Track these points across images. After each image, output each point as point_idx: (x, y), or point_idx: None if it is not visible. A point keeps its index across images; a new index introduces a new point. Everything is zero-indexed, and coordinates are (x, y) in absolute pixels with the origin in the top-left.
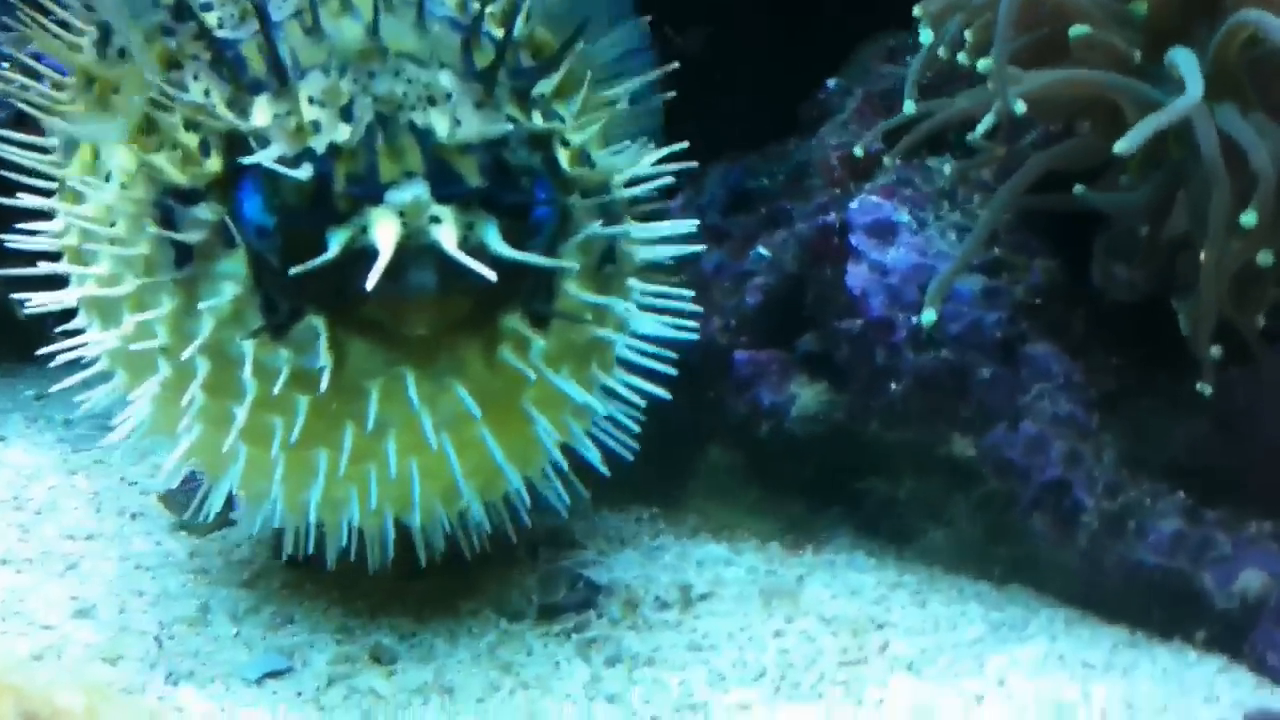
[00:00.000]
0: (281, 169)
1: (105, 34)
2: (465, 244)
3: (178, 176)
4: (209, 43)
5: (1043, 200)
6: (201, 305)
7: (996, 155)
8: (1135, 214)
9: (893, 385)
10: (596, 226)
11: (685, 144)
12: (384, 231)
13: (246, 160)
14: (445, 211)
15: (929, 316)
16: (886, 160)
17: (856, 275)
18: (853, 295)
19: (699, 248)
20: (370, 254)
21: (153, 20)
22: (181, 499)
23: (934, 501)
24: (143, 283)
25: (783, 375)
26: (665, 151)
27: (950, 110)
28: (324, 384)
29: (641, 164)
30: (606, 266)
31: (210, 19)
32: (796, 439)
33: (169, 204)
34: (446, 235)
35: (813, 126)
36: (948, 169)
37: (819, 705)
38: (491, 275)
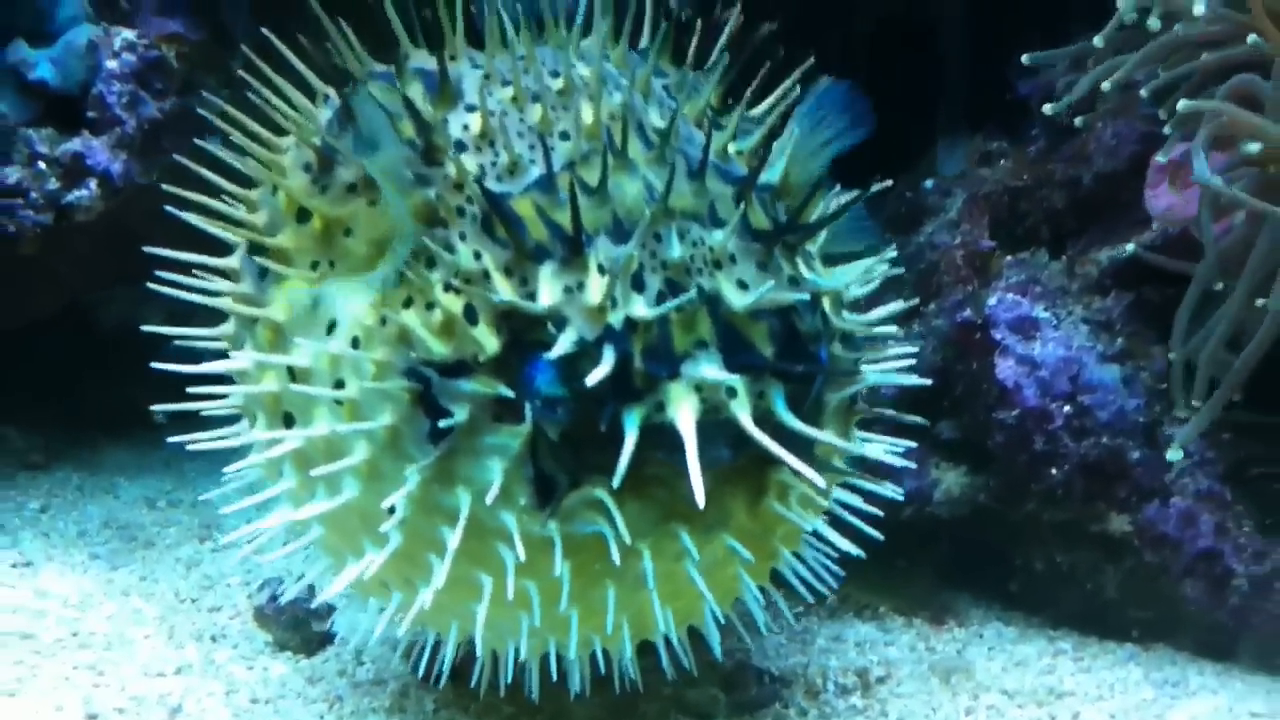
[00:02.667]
0: (599, 377)
1: (326, 161)
2: (755, 412)
3: (440, 349)
4: (484, 200)
5: None
6: (464, 486)
7: None
8: None
9: (1053, 470)
10: (858, 378)
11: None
12: (684, 413)
13: (551, 355)
14: (739, 383)
15: (1176, 455)
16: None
17: (1006, 368)
18: (1004, 387)
19: (926, 381)
20: (666, 430)
21: (404, 167)
22: (279, 617)
23: (1079, 574)
24: (382, 455)
25: (923, 461)
26: (881, 262)
27: None
28: (617, 556)
29: (866, 283)
30: (853, 407)
31: (470, 165)
32: (940, 520)
33: (425, 374)
34: (745, 413)
35: (903, 224)
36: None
37: None
38: (806, 469)
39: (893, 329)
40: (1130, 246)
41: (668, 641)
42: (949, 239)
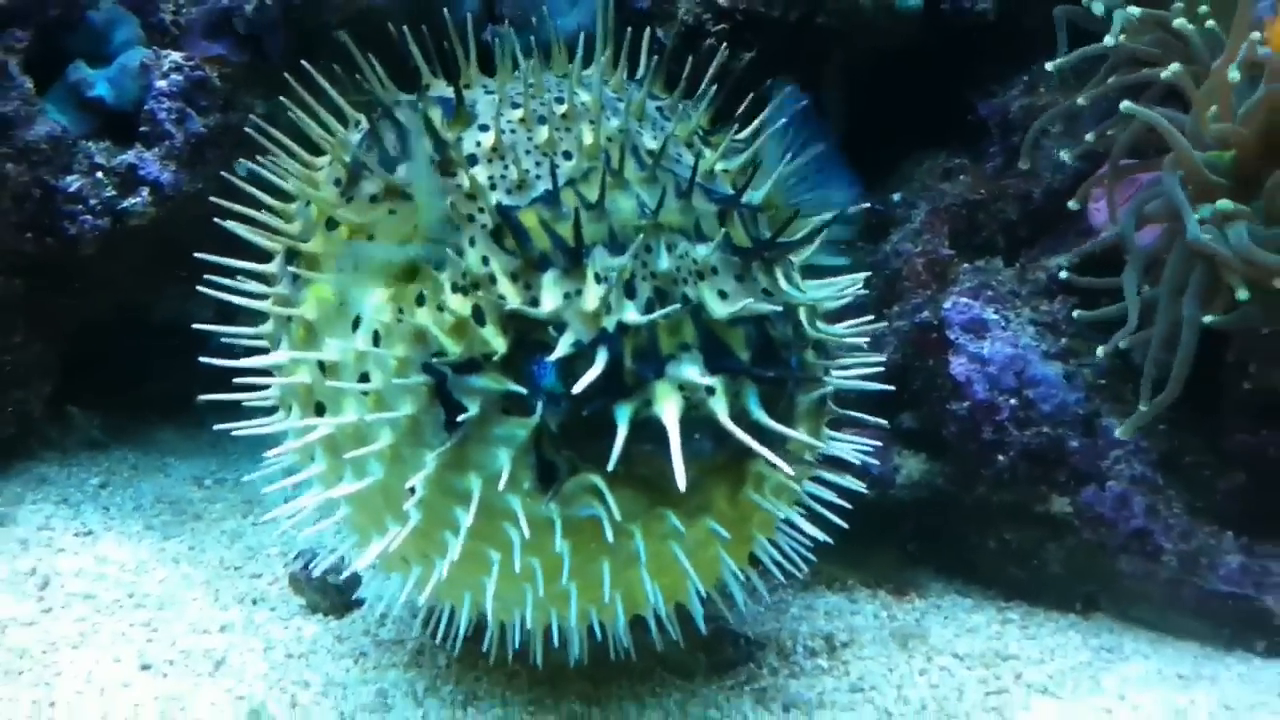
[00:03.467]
0: (590, 379)
1: (354, 175)
2: (731, 410)
3: (453, 347)
4: (495, 212)
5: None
6: (476, 472)
7: None
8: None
9: (1000, 457)
10: (827, 382)
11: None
12: (669, 408)
13: (552, 358)
14: (718, 383)
15: (1126, 434)
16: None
17: (959, 365)
18: (957, 381)
19: (890, 387)
20: (653, 423)
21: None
22: (312, 583)
23: (1027, 550)
24: (403, 441)
25: (886, 449)
26: (855, 281)
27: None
28: (610, 535)
29: (840, 298)
30: (824, 408)
31: (481, 177)
32: (900, 502)
33: (441, 370)
34: (723, 410)
35: (873, 233)
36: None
37: None
38: (776, 459)
39: (861, 340)
40: (1063, 274)
41: (656, 615)
42: (912, 247)
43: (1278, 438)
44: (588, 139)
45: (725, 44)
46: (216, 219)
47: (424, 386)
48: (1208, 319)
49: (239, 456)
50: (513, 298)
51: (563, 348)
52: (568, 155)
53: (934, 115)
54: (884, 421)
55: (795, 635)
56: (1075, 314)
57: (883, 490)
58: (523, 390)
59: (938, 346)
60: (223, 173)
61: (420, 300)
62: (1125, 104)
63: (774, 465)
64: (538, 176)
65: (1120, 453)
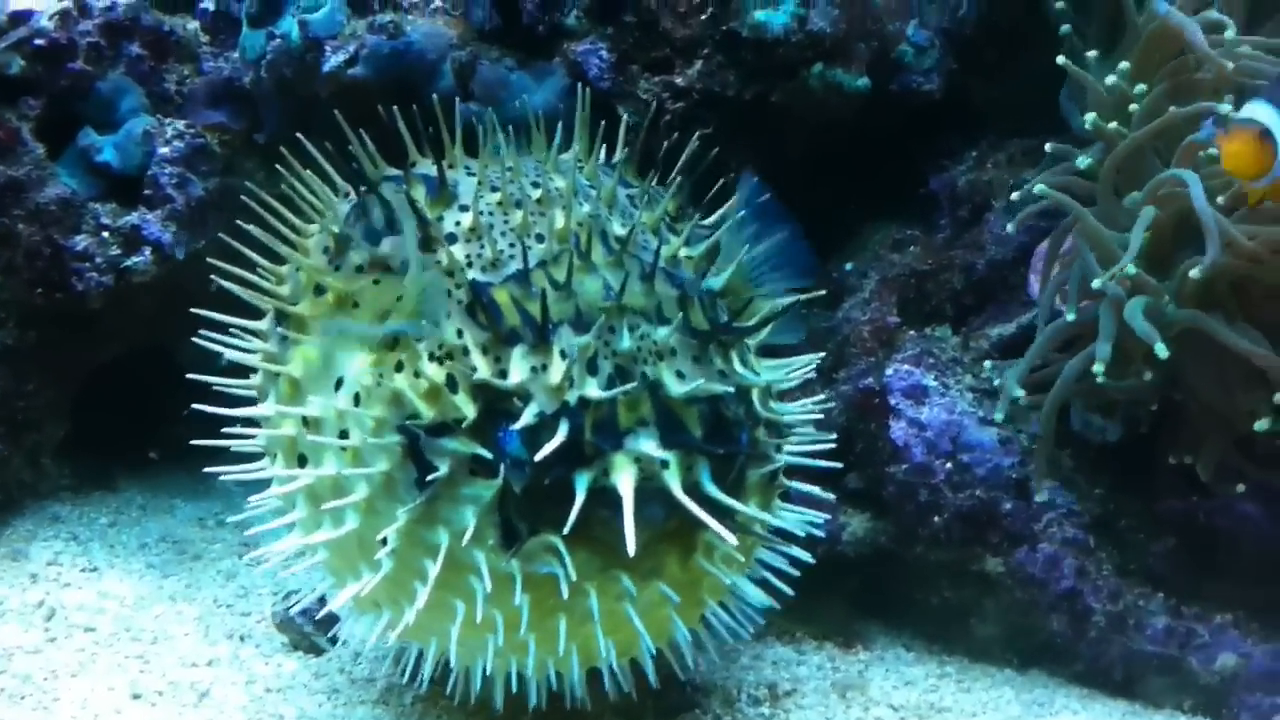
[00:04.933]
0: (550, 449)
1: (341, 246)
2: (684, 482)
3: (427, 411)
4: (469, 289)
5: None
6: (444, 527)
7: None
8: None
9: (936, 518)
10: (777, 458)
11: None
12: (625, 478)
13: (517, 426)
14: (672, 457)
15: (1042, 496)
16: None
17: (898, 429)
18: (896, 445)
19: (837, 465)
20: (609, 491)
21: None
22: (295, 624)
23: (966, 608)
24: (378, 495)
25: (833, 508)
26: (808, 363)
27: None
28: (565, 592)
29: (792, 376)
30: (774, 482)
31: (459, 255)
32: (847, 558)
33: (415, 431)
34: (675, 482)
35: (829, 301)
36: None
37: None
38: (719, 528)
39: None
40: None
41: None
42: (860, 315)
43: (1207, 504)
44: (559, 223)
45: (683, 121)
46: (213, 276)
47: (398, 446)
48: (1098, 369)
49: (242, 500)
50: (483, 369)
51: (527, 417)
52: (540, 238)
53: (890, 188)
54: (831, 496)
55: (741, 684)
56: (1015, 398)
57: (830, 546)
58: (488, 454)
59: (879, 411)
60: (223, 235)
61: (399, 367)
62: (1039, 186)
63: (720, 536)
64: (511, 256)
65: (1053, 515)
